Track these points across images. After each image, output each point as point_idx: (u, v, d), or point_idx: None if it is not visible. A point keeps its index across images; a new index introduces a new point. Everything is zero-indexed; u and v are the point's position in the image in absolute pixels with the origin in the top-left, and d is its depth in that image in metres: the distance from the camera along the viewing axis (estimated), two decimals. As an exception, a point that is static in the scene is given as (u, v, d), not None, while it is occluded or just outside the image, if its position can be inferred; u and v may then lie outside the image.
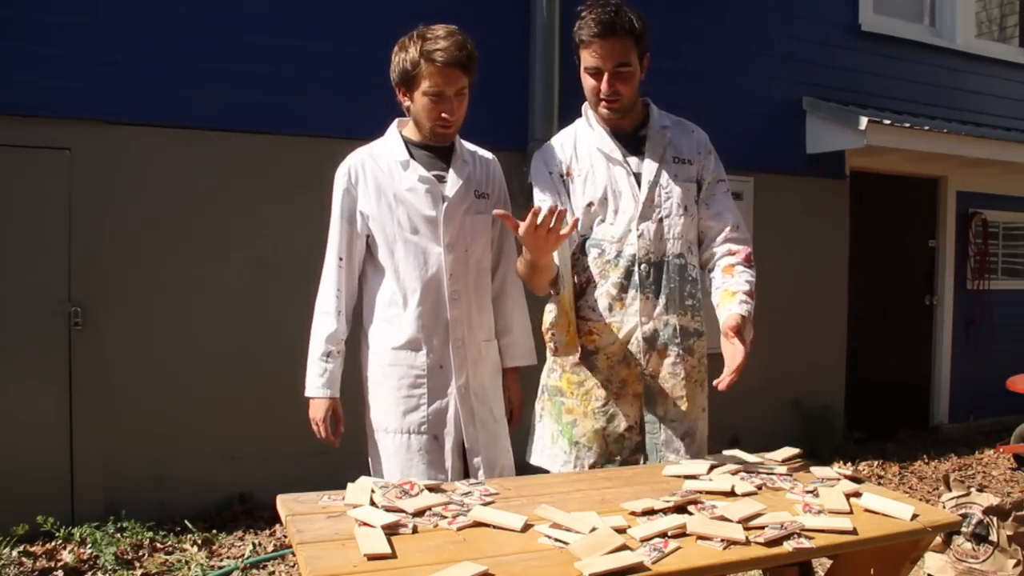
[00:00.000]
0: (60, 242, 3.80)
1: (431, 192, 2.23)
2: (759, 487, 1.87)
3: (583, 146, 2.25)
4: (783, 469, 2.01)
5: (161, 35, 3.94)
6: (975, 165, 6.26)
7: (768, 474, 1.96)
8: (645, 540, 1.53)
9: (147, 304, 3.97)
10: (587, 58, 2.13)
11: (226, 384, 4.09)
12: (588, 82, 2.17)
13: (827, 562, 2.13)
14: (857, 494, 1.83)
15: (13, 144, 3.71)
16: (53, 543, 3.56)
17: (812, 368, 5.86)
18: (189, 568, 3.44)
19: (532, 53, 4.68)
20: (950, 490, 3.43)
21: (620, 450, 2.20)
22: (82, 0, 3.80)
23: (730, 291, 2.15)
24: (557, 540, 1.52)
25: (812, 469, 2.04)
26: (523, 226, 1.93)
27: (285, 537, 3.69)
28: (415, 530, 1.57)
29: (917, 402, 6.66)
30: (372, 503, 1.68)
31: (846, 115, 5.54)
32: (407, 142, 2.28)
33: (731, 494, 1.81)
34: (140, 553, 3.56)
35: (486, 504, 1.73)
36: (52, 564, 3.39)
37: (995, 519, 3.17)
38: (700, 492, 1.81)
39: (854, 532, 1.62)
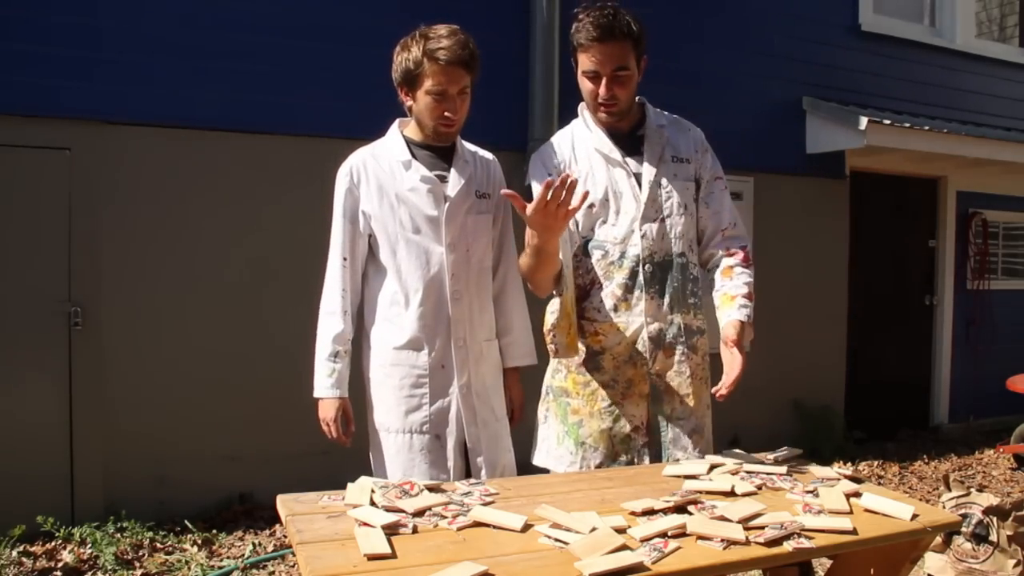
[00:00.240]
0: (60, 242, 3.80)
1: (433, 192, 2.23)
2: (759, 487, 1.87)
3: (581, 147, 2.25)
4: (783, 469, 2.01)
5: (161, 35, 3.94)
6: (975, 165, 6.26)
7: (768, 474, 1.96)
8: (645, 540, 1.53)
9: (147, 304, 3.97)
10: (585, 62, 2.13)
11: (226, 384, 4.09)
12: (586, 85, 2.17)
13: (827, 562, 2.13)
14: (857, 494, 1.83)
15: (13, 144, 3.72)
16: (53, 543, 3.56)
17: (812, 368, 5.86)
18: (189, 568, 3.45)
19: (532, 53, 4.68)
20: (950, 490, 3.43)
21: (626, 450, 2.20)
22: (83, 1, 3.80)
23: (729, 295, 2.17)
24: (557, 540, 1.52)
25: (812, 469, 2.05)
26: (532, 204, 1.90)
27: (285, 537, 3.69)
28: (415, 530, 1.57)
29: (917, 402, 6.66)
30: (372, 503, 1.68)
31: (846, 115, 5.54)
32: (408, 142, 2.28)
33: (731, 494, 1.81)
34: (140, 553, 3.56)
35: (486, 504, 1.73)
36: (52, 564, 3.39)
37: (995, 519, 3.17)
38: (700, 492, 1.81)
39: (854, 532, 1.62)
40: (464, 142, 2.34)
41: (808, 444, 5.25)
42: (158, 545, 3.65)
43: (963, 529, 3.19)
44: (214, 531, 3.81)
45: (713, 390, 2.07)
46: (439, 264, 2.23)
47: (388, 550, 1.45)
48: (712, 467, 2.00)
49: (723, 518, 1.63)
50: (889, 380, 6.47)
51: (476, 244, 2.29)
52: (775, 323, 4.98)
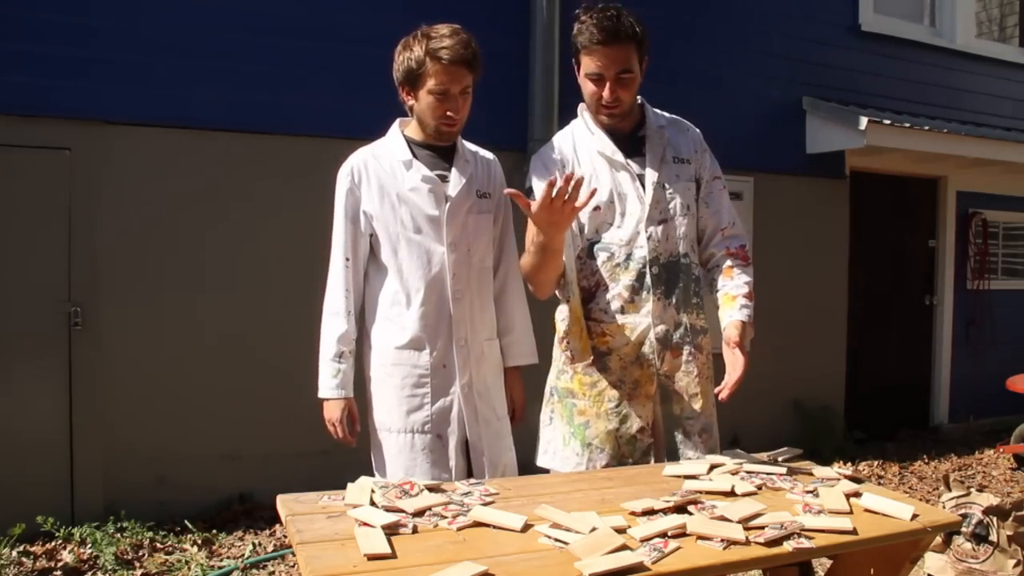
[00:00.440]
0: (60, 242, 3.80)
1: (434, 192, 2.23)
2: (759, 487, 1.87)
3: (583, 149, 2.24)
4: (783, 469, 2.01)
5: (161, 35, 3.94)
6: (975, 165, 6.26)
7: (768, 474, 1.97)
8: (645, 540, 1.53)
9: (147, 304, 3.97)
10: (588, 64, 2.12)
11: (226, 384, 4.09)
12: (588, 87, 2.17)
13: (827, 562, 2.13)
14: (857, 494, 1.83)
15: (13, 144, 3.71)
16: (53, 543, 3.56)
17: (812, 368, 5.86)
18: (189, 568, 3.44)
19: (532, 53, 4.68)
20: (950, 490, 3.43)
21: (632, 451, 2.20)
22: (83, 1, 3.80)
23: (730, 295, 2.19)
24: (557, 540, 1.52)
25: (812, 469, 2.05)
26: (537, 201, 1.90)
27: (285, 537, 3.69)
28: (415, 530, 1.57)
29: (917, 402, 6.66)
30: (372, 503, 1.68)
31: (846, 115, 5.54)
32: (409, 142, 2.28)
33: (731, 494, 1.81)
34: (140, 553, 3.56)
35: (486, 504, 1.73)
36: (52, 564, 3.39)
37: (995, 519, 3.17)
38: (700, 492, 1.81)
39: (854, 532, 1.62)
40: (465, 142, 2.34)
41: (808, 444, 5.24)
42: (158, 545, 3.65)
43: (963, 529, 3.19)
44: (214, 531, 3.81)
45: (716, 391, 2.08)
46: (440, 264, 2.23)
47: (388, 550, 1.45)
48: (712, 467, 2.00)
49: (723, 518, 1.63)
50: (889, 380, 6.47)
51: (477, 244, 2.29)
52: (775, 323, 4.98)
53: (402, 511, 1.64)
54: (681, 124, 2.33)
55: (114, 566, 3.39)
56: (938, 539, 3.16)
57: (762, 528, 1.59)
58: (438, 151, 2.28)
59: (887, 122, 5.46)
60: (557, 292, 2.22)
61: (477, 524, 1.61)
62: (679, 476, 1.95)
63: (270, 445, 4.10)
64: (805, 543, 1.56)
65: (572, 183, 1.88)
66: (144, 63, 3.91)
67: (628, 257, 2.18)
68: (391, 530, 1.54)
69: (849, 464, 5.21)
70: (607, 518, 1.61)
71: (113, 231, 3.90)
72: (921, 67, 6.36)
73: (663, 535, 1.55)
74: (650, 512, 1.68)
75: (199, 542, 3.69)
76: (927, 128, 5.66)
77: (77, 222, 3.84)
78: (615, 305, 2.19)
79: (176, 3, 3.98)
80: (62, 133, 3.80)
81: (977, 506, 3.22)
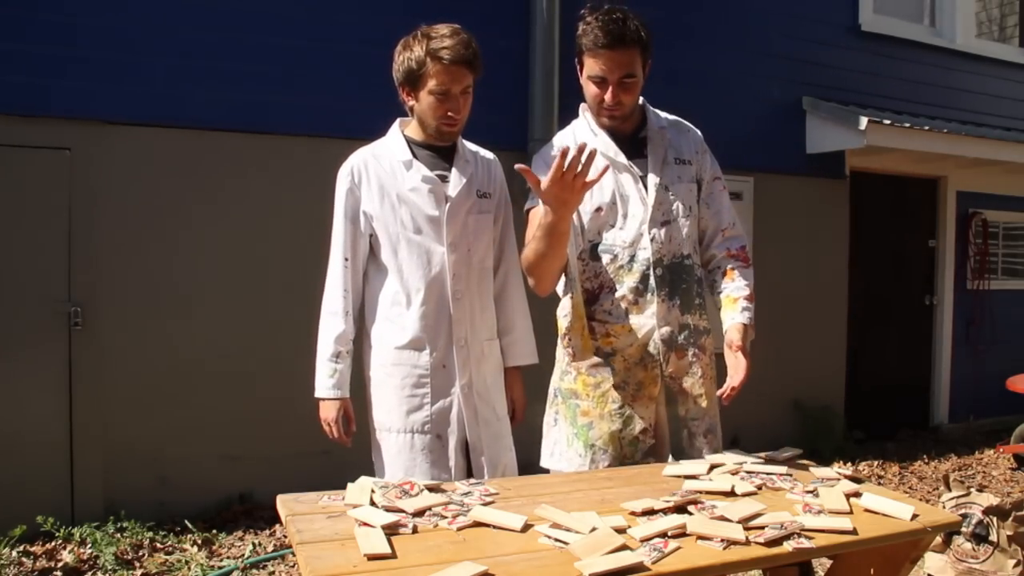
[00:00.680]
0: (60, 242, 3.80)
1: (434, 192, 2.23)
2: (759, 487, 1.87)
3: None
4: (783, 469, 2.01)
5: (161, 35, 3.94)
6: (975, 165, 6.26)
7: (768, 474, 1.96)
8: (645, 540, 1.53)
9: (147, 304, 3.97)
10: (592, 66, 2.11)
11: (226, 384, 4.09)
12: (591, 89, 2.16)
13: (827, 562, 2.13)
14: (857, 494, 1.83)
15: (13, 144, 3.71)
16: (53, 543, 3.56)
17: (812, 368, 5.86)
18: (189, 568, 3.44)
19: (532, 53, 4.68)
20: (950, 490, 3.43)
21: (634, 453, 2.19)
22: (82, 0, 3.80)
23: (732, 297, 2.20)
24: (557, 540, 1.52)
25: (812, 469, 2.05)
26: (548, 175, 1.87)
27: (285, 537, 3.69)
28: (415, 530, 1.57)
29: (917, 402, 6.66)
30: (372, 503, 1.68)
31: (846, 115, 5.54)
32: (410, 142, 2.28)
33: (731, 494, 1.81)
34: (140, 553, 3.56)
35: (486, 504, 1.73)
36: (52, 564, 3.39)
37: (995, 519, 3.17)
38: (700, 492, 1.81)
39: (854, 532, 1.62)
40: (465, 142, 2.34)
41: (808, 444, 5.24)
42: (158, 545, 3.65)
43: (963, 529, 3.19)
44: (214, 531, 3.81)
45: (718, 393, 2.08)
46: (440, 264, 2.23)
47: (388, 550, 1.45)
48: (712, 467, 2.00)
49: (723, 518, 1.63)
50: (889, 380, 6.46)
51: (477, 244, 2.29)
52: (775, 323, 4.98)
53: (402, 511, 1.64)
54: (682, 125, 2.33)
55: (114, 566, 3.39)
56: (938, 539, 3.16)
57: (762, 528, 1.59)
58: (438, 151, 2.28)
59: (887, 122, 5.46)
60: (558, 290, 2.21)
61: (477, 524, 1.61)
62: (679, 476, 1.95)
63: (270, 445, 4.10)
64: (805, 543, 1.56)
65: (585, 153, 1.85)
66: (144, 63, 3.91)
67: (632, 259, 2.18)
68: (391, 530, 1.54)
69: (849, 464, 5.22)
70: (607, 518, 1.61)
71: (113, 231, 3.90)
72: (921, 67, 6.36)
73: (663, 535, 1.55)
74: (650, 512, 1.68)
75: (199, 542, 3.69)
76: (927, 128, 5.66)
77: (77, 222, 3.84)
78: (620, 307, 2.19)
79: (176, 3, 3.98)
80: (62, 133, 3.80)
81: (977, 506, 3.22)
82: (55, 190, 3.79)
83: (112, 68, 3.85)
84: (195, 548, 3.64)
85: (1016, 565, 3.10)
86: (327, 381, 2.25)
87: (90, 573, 3.37)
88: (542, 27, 4.64)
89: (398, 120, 2.34)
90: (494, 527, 1.59)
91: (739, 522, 1.60)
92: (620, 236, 2.19)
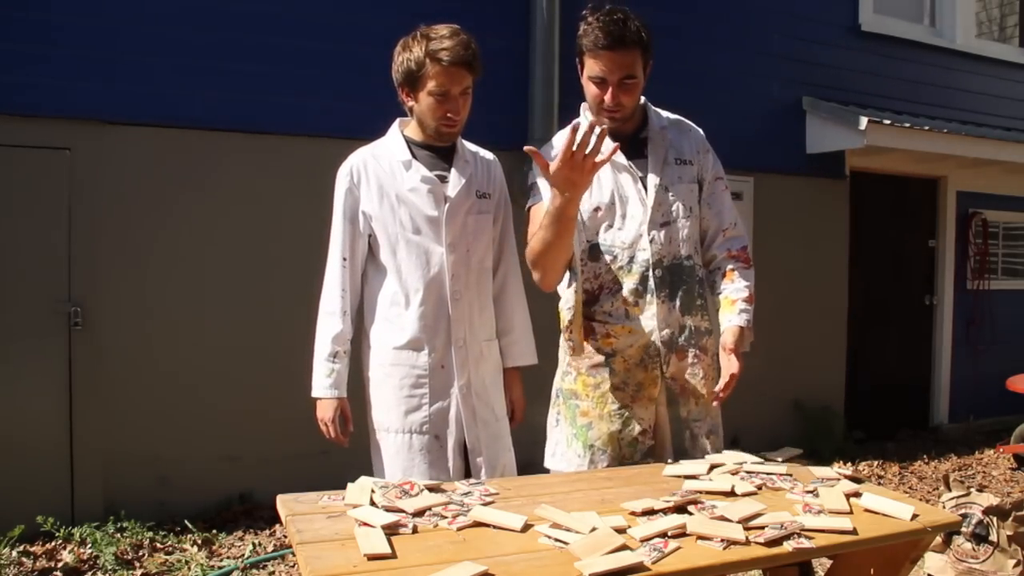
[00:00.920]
0: (60, 242, 3.80)
1: (433, 192, 2.23)
2: (759, 487, 1.87)
3: None
4: (783, 469, 2.01)
5: (161, 34, 3.94)
6: (975, 165, 6.26)
7: (768, 474, 1.96)
8: (645, 540, 1.53)
9: (147, 304, 3.97)
10: (592, 67, 2.10)
11: (226, 384, 4.09)
12: (591, 89, 2.15)
13: (827, 562, 2.13)
14: (857, 494, 1.83)
15: (13, 144, 3.71)
16: (53, 543, 3.56)
17: (812, 368, 5.86)
18: (189, 568, 3.44)
19: (532, 53, 4.68)
20: (950, 490, 3.43)
21: (633, 454, 2.19)
22: (83, 1, 3.80)
23: (730, 299, 2.20)
24: (557, 540, 1.52)
25: (812, 469, 2.05)
26: (559, 155, 1.85)
27: (285, 537, 3.69)
28: (415, 530, 1.57)
29: (917, 402, 6.66)
30: (372, 503, 1.68)
31: (846, 115, 5.54)
32: (409, 142, 2.28)
33: (731, 494, 1.81)
34: (140, 553, 3.56)
35: (486, 504, 1.73)
36: (52, 564, 3.39)
37: (995, 519, 3.17)
38: (700, 492, 1.81)
39: (854, 532, 1.62)
40: (465, 142, 2.34)
41: (808, 444, 5.25)
42: (158, 545, 3.65)
43: (963, 529, 3.19)
44: (214, 531, 3.81)
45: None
46: (439, 264, 2.23)
47: (388, 550, 1.45)
48: (712, 467, 2.00)
49: (723, 518, 1.63)
50: (889, 380, 6.46)
51: (476, 244, 2.29)
52: (775, 323, 4.99)
53: (402, 511, 1.64)
54: (683, 125, 2.32)
55: (114, 566, 3.39)
56: (938, 539, 3.16)
57: (762, 528, 1.59)
58: (438, 151, 2.28)
59: (887, 122, 5.46)
60: (559, 289, 2.21)
61: (477, 524, 1.61)
62: (679, 476, 1.95)
63: (270, 445, 4.10)
64: (805, 543, 1.56)
65: (595, 132, 1.83)
66: (144, 63, 3.91)
67: (631, 260, 2.17)
68: (391, 530, 1.54)
69: (849, 464, 5.21)
70: (607, 518, 1.61)
71: (113, 231, 3.90)
72: (921, 67, 6.36)
73: (663, 535, 1.55)
74: (650, 512, 1.67)
75: (199, 542, 3.69)
76: (927, 128, 5.66)
77: (77, 222, 3.84)
78: (620, 308, 2.18)
79: (177, 3, 3.98)
80: (62, 133, 3.80)
81: (977, 506, 3.22)
82: (55, 190, 3.79)
83: (112, 68, 3.85)
84: (195, 548, 3.64)
85: (1016, 565, 3.10)
86: (324, 381, 2.25)
87: (90, 573, 3.37)
88: (542, 27, 4.64)
89: (397, 120, 2.34)
90: (494, 527, 1.59)
91: (739, 522, 1.60)
92: (619, 237, 2.18)
